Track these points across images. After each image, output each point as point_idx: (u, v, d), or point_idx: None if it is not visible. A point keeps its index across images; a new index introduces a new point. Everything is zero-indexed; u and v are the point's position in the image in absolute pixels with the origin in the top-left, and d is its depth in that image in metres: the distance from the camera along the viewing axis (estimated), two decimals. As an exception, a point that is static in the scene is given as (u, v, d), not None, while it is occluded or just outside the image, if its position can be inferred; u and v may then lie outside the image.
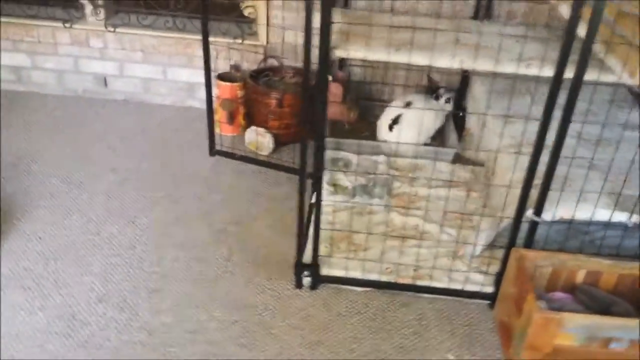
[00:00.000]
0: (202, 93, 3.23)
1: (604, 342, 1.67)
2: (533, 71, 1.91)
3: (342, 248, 2.19)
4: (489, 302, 2.05)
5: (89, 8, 3.06)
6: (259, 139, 2.89)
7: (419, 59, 2.17)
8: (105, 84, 3.28)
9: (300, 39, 3.04)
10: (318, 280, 2.07)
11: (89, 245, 2.22)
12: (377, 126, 2.89)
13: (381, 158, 2.77)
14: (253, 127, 2.92)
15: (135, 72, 3.23)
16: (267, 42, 3.08)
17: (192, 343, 1.84)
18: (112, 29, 3.08)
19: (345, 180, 2.59)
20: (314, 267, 2.04)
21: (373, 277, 2.06)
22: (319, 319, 1.96)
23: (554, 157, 1.72)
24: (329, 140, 2.71)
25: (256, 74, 3.02)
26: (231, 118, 2.99)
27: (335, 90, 2.83)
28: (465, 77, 3.00)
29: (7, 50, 3.22)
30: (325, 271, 2.06)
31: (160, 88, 3.27)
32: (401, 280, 2.06)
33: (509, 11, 2.88)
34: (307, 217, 2.40)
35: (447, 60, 2.00)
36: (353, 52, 2.30)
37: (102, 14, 3.06)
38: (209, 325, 1.91)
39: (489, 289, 2.04)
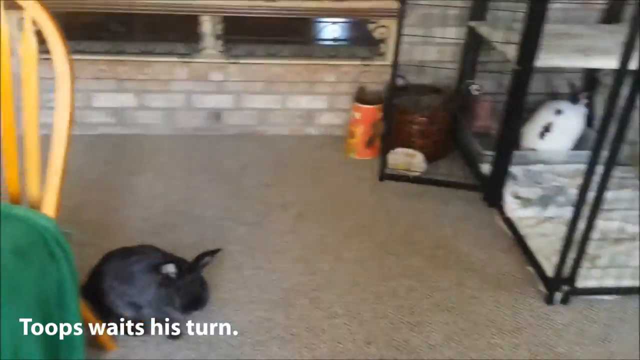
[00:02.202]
0: (321, 119, 3.17)
1: None
2: None
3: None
4: None
5: (209, 40, 2.92)
6: (408, 160, 2.82)
7: (607, 63, 2.22)
8: (219, 118, 3.13)
9: (426, 56, 3.01)
10: (571, 294, 2.02)
11: (313, 285, 2.09)
12: (520, 134, 2.89)
13: (539, 167, 2.77)
14: (399, 149, 2.85)
15: (253, 103, 3.09)
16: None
17: (493, 374, 1.76)
18: (233, 61, 2.94)
19: (524, 192, 2.57)
20: (570, 280, 1.99)
21: (626, 283, 2.04)
22: (593, 332, 1.92)
23: None
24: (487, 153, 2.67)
25: (390, 95, 2.96)
26: (371, 141, 2.92)
27: (485, 102, 2.82)
28: (592, 79, 3.04)
29: (111, 91, 3.02)
30: (579, 283, 2.02)
31: (277, 118, 3.15)
32: (653, 283, 2.05)
33: None
34: (514, 232, 2.36)
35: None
36: (552, 60, 2.32)
37: (221, 45, 2.92)
38: (494, 352, 1.83)
39: None
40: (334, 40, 3.04)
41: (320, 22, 2.97)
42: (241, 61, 2.95)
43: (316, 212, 2.52)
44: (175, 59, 2.93)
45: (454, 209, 2.57)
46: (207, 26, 2.86)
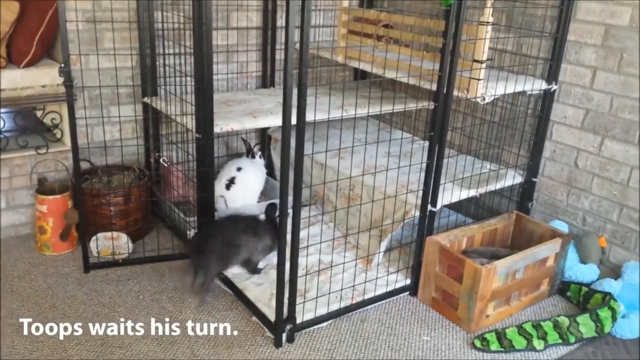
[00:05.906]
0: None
1: (513, 275, 2.37)
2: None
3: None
4: (408, 292, 2.55)
5: None
6: (113, 243, 2.69)
7: (273, 121, 2.59)
8: None
9: (108, 135, 2.95)
10: (295, 331, 2.19)
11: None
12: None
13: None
14: (99, 234, 2.70)
15: None
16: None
17: None
18: None
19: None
20: (291, 318, 2.16)
21: (334, 307, 2.31)
22: (320, 358, 2.12)
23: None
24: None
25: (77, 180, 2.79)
26: (66, 233, 2.70)
27: (178, 173, 2.88)
28: (264, 135, 3.40)
29: None
30: (299, 319, 2.20)
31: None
32: (354, 301, 2.37)
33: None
34: (232, 288, 2.47)
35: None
36: (228, 125, 2.54)
37: None
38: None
39: (406, 282, 2.54)
40: (-2, 132, 2.73)
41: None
42: None
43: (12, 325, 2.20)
44: None
45: (172, 281, 2.55)
46: None
